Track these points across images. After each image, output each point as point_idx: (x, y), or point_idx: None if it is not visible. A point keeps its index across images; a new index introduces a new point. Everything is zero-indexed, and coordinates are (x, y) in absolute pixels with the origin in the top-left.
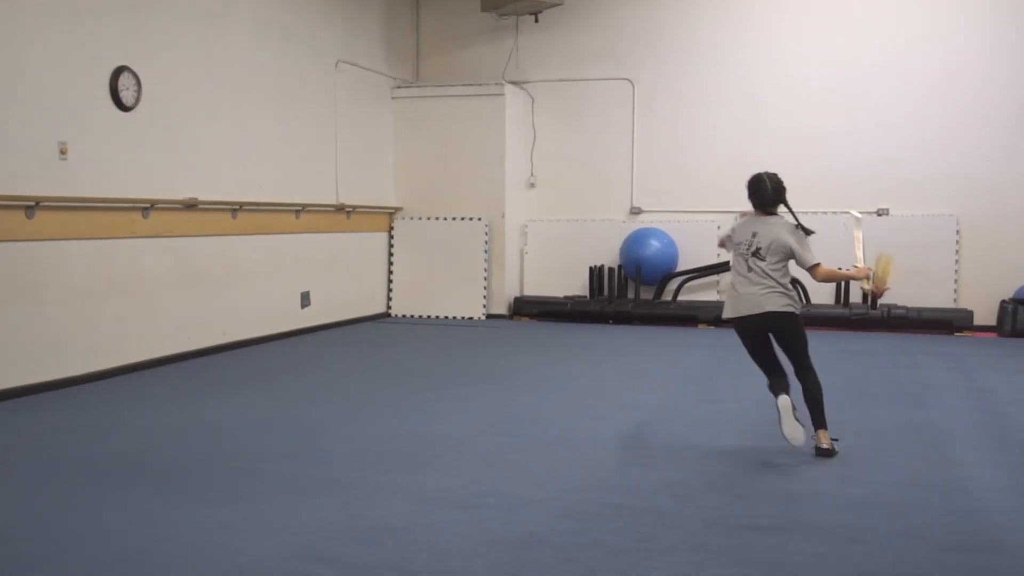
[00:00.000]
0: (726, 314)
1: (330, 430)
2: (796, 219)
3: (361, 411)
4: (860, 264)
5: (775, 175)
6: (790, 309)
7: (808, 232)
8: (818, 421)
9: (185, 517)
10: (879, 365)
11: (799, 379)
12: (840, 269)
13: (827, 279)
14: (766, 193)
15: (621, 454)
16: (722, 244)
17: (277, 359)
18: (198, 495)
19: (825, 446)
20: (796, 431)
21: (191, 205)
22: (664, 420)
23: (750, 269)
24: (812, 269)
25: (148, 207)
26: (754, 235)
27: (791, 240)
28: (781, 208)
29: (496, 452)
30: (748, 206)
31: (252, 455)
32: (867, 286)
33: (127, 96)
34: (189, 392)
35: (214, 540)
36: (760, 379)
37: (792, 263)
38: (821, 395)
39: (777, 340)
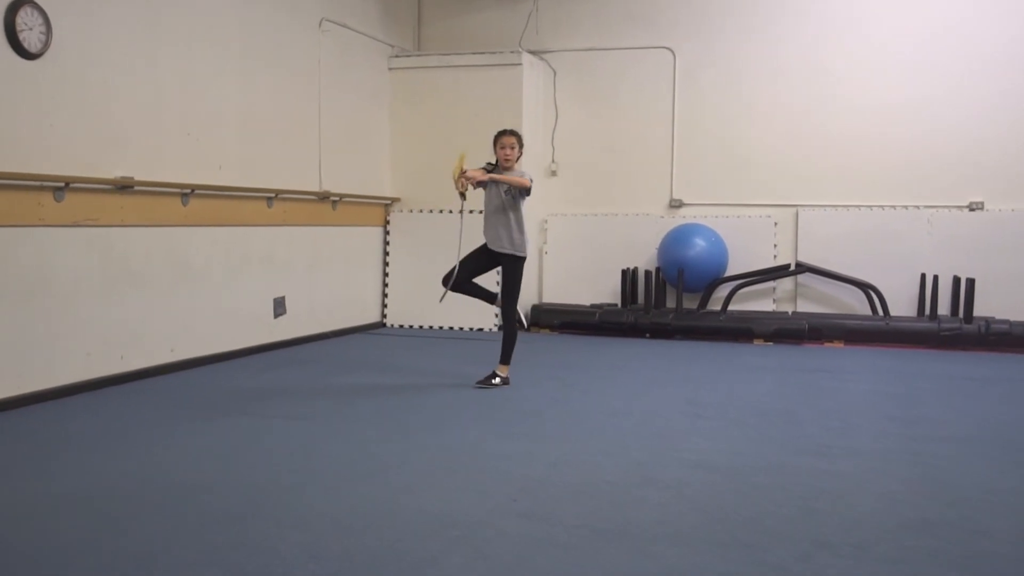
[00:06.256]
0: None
1: (267, 508)
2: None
3: (326, 471)
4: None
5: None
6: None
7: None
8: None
9: None
10: (1006, 398)
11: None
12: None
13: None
14: None
15: (719, 557)
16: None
17: (236, 382)
18: None
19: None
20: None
21: (125, 186)
22: (763, 488)
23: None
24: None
25: (62, 186)
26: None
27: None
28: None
29: (522, 552)
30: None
31: (131, 556)
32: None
33: (30, 39)
34: (98, 433)
35: None
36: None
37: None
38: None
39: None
